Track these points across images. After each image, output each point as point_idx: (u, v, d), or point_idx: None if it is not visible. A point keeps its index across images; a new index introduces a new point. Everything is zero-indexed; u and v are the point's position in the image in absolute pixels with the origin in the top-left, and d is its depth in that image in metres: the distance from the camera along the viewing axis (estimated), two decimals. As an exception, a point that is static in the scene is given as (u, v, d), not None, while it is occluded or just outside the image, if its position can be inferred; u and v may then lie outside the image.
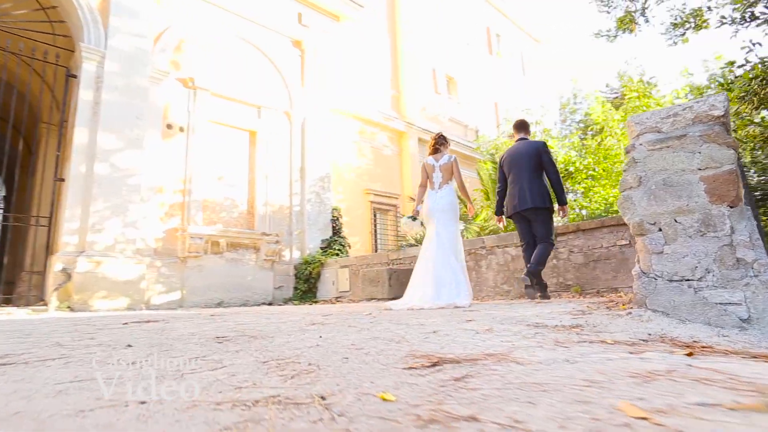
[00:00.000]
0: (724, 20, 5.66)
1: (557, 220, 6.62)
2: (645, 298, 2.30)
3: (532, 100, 21.46)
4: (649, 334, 2.01)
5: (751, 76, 4.48)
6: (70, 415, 0.93)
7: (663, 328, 2.10)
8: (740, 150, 3.18)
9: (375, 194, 15.00)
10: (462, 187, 4.82)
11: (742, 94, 4.57)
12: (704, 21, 7.09)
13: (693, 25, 7.18)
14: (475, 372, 1.28)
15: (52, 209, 7.23)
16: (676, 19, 7.29)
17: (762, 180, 7.06)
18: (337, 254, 9.60)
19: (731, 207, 2.16)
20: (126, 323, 3.15)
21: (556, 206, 4.81)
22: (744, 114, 5.15)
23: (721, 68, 5.11)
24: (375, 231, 15.00)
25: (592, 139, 11.60)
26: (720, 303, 2.11)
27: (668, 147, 2.36)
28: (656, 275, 2.30)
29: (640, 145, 2.45)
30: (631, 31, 6.65)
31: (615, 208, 8.75)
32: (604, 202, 9.68)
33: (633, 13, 6.55)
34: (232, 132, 9.09)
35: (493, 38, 21.18)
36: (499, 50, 21.29)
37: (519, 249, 6.41)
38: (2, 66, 7.30)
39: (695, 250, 2.21)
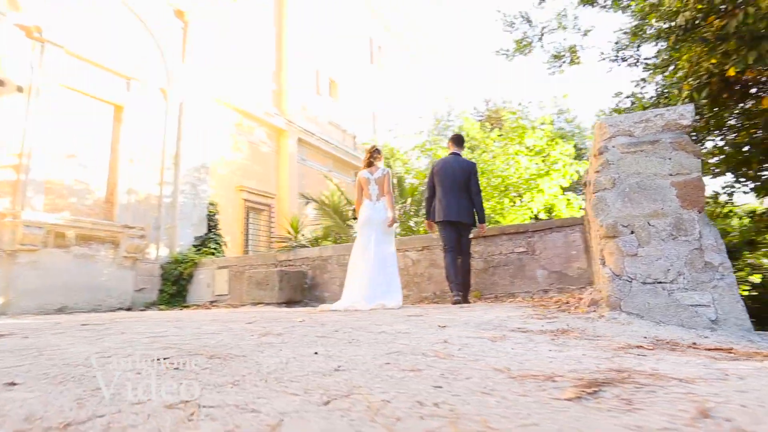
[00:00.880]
0: (603, 56, 6.45)
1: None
2: (620, 301, 2.30)
3: (408, 113, 22.36)
4: (645, 338, 1.97)
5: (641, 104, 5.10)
6: None
7: (648, 330, 2.09)
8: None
9: (249, 192, 14.02)
10: (391, 202, 5.04)
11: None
12: (577, 57, 7.98)
13: (568, 59, 8.04)
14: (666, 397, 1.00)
15: None
16: (557, 51, 8.09)
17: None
18: (213, 253, 8.62)
19: (699, 212, 2.26)
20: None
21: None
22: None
23: (613, 98, 5.86)
24: (247, 231, 14.00)
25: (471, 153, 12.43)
26: (691, 305, 2.17)
27: (642, 151, 2.41)
28: (630, 277, 2.31)
29: (613, 147, 2.47)
30: (526, 54, 7.20)
31: (495, 218, 9.37)
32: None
33: (528, 38, 7.10)
34: (92, 103, 7.57)
35: (375, 49, 21.62)
36: (380, 61, 21.79)
37: (419, 253, 6.39)
38: None
39: (668, 253, 2.27)
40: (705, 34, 4.60)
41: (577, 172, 9.47)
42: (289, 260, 7.35)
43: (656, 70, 5.00)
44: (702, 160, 2.32)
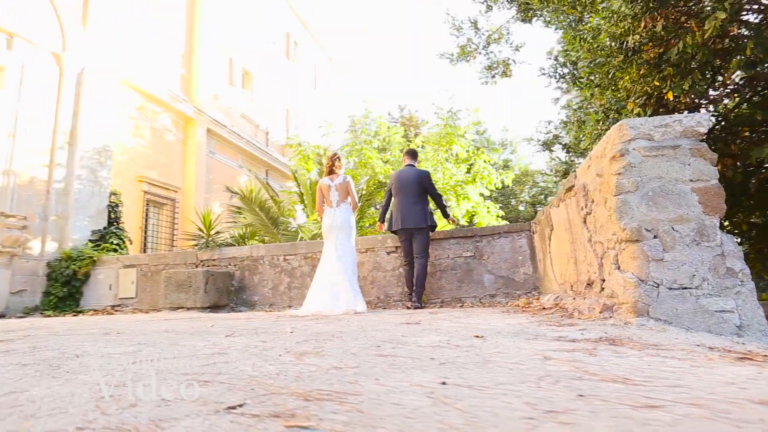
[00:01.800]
0: (543, 71, 6.76)
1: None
2: (648, 307, 2.25)
3: (323, 113, 21.93)
4: (697, 345, 1.92)
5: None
6: None
7: (688, 337, 2.06)
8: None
9: (150, 183, 12.66)
10: (355, 206, 5.29)
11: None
12: (509, 70, 8.32)
13: (500, 72, 8.35)
14: None
15: None
16: (490, 63, 8.36)
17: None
18: (116, 250, 7.49)
19: (719, 219, 2.31)
20: None
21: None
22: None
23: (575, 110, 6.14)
24: (146, 227, 12.59)
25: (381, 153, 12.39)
26: (716, 311, 2.20)
27: (663, 155, 2.42)
28: (656, 283, 2.28)
29: (634, 150, 2.45)
30: (469, 60, 7.30)
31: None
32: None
33: (474, 44, 7.22)
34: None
35: (292, 45, 20.92)
36: (296, 57, 21.12)
37: (362, 255, 6.13)
38: None
39: (692, 259, 2.28)
40: (647, 59, 4.97)
41: (502, 181, 9.87)
42: (213, 259, 6.61)
43: (600, 89, 5.31)
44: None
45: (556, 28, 6.64)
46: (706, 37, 4.28)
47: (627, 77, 5.20)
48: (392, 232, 5.55)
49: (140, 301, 6.71)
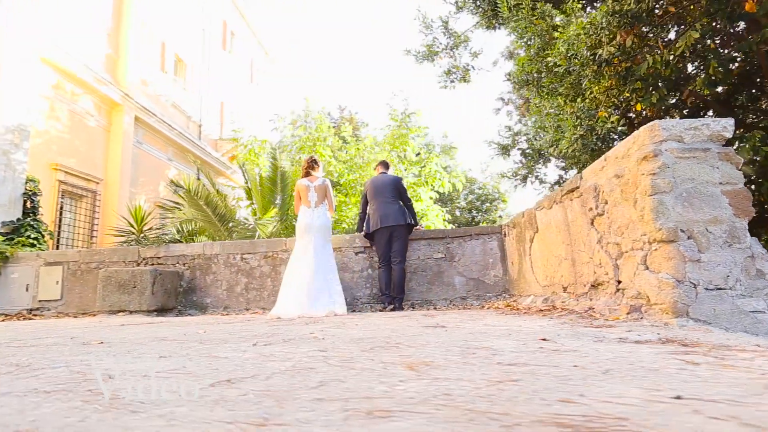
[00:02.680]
0: (510, 78, 6.88)
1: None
2: (687, 307, 2.24)
3: (259, 109, 21.08)
4: (758, 346, 1.92)
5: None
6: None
7: (738, 338, 2.06)
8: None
9: (67, 173, 11.37)
10: (332, 208, 5.32)
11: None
12: (468, 75, 8.44)
13: (459, 76, 8.44)
14: None
15: None
16: (449, 67, 8.42)
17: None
18: (33, 245, 6.54)
19: (747, 222, 2.37)
20: None
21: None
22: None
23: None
24: (60, 221, 11.25)
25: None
26: (751, 311, 2.24)
27: (694, 158, 2.44)
28: (693, 283, 2.28)
29: (666, 151, 2.46)
30: (433, 60, 7.26)
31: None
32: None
33: (441, 44, 7.19)
34: None
35: (228, 35, 19.91)
36: (232, 48, 20.13)
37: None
38: None
39: (725, 260, 2.31)
40: (617, 71, 5.20)
41: (453, 184, 9.96)
42: (159, 257, 5.94)
43: (570, 98, 5.48)
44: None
45: (520, 38, 6.76)
46: (677, 54, 4.53)
47: (596, 87, 5.41)
48: (368, 236, 5.52)
49: (67, 304, 5.87)
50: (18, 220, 6.66)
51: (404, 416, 0.81)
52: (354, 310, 5.42)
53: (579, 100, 5.67)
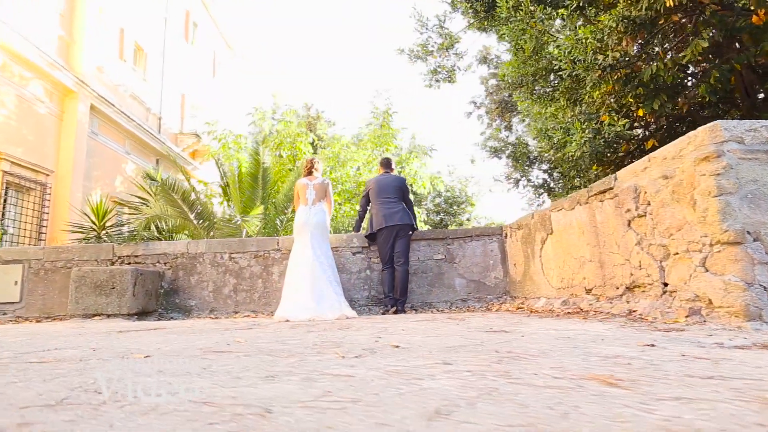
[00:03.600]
0: (503, 79, 6.88)
1: None
2: (760, 311, 2.20)
3: (222, 104, 20.30)
4: None
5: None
6: None
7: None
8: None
9: (13, 163, 10.48)
10: (330, 207, 5.24)
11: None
12: (454, 76, 8.41)
13: (444, 76, 8.39)
14: None
15: None
16: (436, 67, 8.35)
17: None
18: (-14, 242, 5.85)
19: (807, 225, 2.37)
20: None
21: None
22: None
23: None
24: (2, 215, 10.30)
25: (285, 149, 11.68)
26: (818, 314, 2.23)
27: (756, 159, 2.42)
28: (763, 286, 2.25)
29: (728, 152, 2.42)
30: (425, 59, 7.15)
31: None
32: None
33: (435, 43, 7.09)
34: None
35: (191, 26, 19.05)
36: (194, 40, 19.27)
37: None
38: None
39: (790, 262, 2.29)
40: (618, 77, 5.27)
41: (434, 186, 9.88)
42: (137, 256, 5.45)
43: (573, 102, 5.51)
44: None
45: (513, 40, 6.75)
46: (683, 62, 4.63)
47: (597, 92, 5.46)
48: (369, 237, 5.37)
49: (27, 307, 5.27)
50: (-34, 212, 5.93)
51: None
52: (353, 313, 5.19)
53: (580, 104, 5.72)
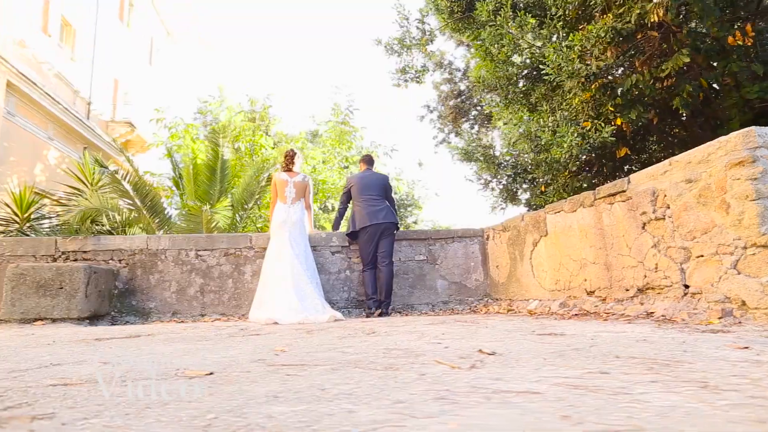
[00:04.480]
0: (480, 81, 6.90)
1: None
2: (799, 311, 2.26)
3: (159, 93, 18.98)
4: None
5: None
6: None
7: None
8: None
9: None
10: (309, 207, 5.04)
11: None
12: (422, 76, 8.37)
13: (413, 76, 8.34)
14: None
15: None
16: (405, 66, 8.26)
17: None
18: None
19: (829, 230, 2.47)
20: None
21: None
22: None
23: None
24: None
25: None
26: None
27: (787, 165, 2.50)
28: (798, 287, 2.31)
29: (762, 157, 2.48)
30: (400, 54, 7.02)
31: (322, 224, 8.59)
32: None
33: (414, 39, 6.99)
34: None
35: (126, 5, 17.64)
36: (130, 22, 17.86)
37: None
38: None
39: (820, 265, 2.38)
40: (598, 86, 5.43)
41: (398, 188, 9.74)
42: (85, 251, 4.79)
43: (547, 109, 5.61)
44: None
45: (488, 44, 6.78)
46: (664, 75, 4.84)
47: (576, 99, 5.60)
48: (351, 235, 5.11)
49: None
50: None
51: None
52: (333, 316, 4.90)
53: (560, 109, 5.83)
